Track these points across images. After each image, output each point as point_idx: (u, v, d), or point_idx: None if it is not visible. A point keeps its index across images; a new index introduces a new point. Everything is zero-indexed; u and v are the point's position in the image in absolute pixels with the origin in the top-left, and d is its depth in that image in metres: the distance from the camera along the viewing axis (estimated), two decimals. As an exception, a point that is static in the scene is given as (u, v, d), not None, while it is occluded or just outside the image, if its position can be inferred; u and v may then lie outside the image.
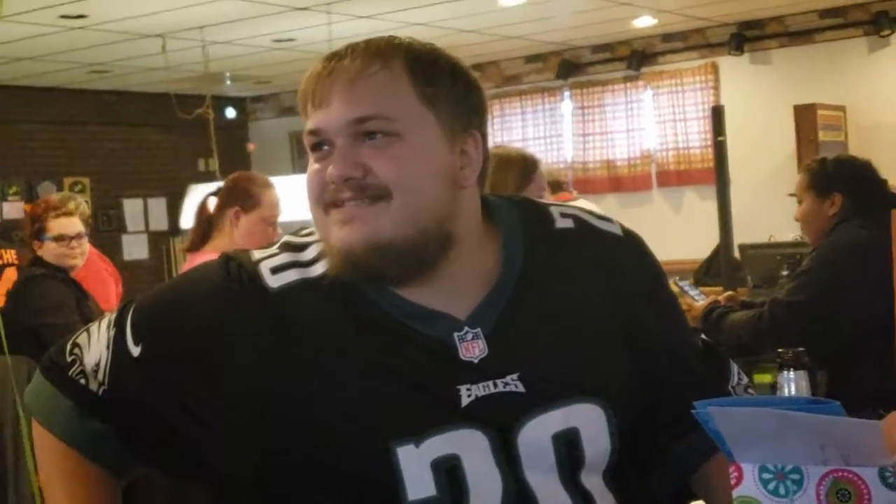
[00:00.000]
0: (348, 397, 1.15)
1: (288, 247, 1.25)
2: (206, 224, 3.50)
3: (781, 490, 0.98)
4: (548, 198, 5.82)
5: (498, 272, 1.23)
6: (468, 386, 1.16)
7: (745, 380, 1.36)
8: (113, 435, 1.24)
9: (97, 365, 1.24)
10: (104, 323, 1.27)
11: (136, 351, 1.22)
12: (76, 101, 9.10)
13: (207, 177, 8.44)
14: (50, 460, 1.29)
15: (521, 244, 1.25)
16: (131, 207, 9.54)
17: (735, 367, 1.37)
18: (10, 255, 4.59)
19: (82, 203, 5.22)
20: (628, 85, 8.52)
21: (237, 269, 1.22)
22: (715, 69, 8.15)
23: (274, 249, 1.25)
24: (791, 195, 3.52)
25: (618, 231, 1.33)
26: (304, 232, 1.28)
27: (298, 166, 9.93)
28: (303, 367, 1.16)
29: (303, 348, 1.17)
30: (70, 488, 1.26)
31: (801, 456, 0.96)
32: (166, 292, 1.30)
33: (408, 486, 1.13)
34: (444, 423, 1.14)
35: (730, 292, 3.77)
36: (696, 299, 3.57)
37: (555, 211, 1.32)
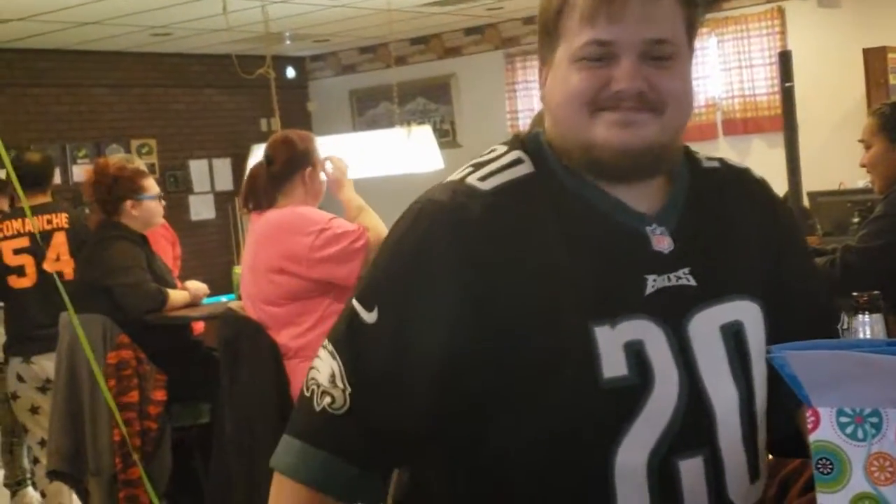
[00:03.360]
0: (554, 281, 1.24)
1: (477, 165, 1.34)
2: (269, 185, 3.55)
3: (860, 434, 0.97)
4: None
5: (670, 185, 1.35)
6: (654, 276, 1.28)
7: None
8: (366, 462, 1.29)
9: (332, 375, 1.28)
10: (321, 348, 1.32)
11: (371, 317, 1.27)
12: (140, 64, 9.17)
13: (270, 137, 8.48)
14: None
15: (683, 168, 1.38)
16: (197, 168, 9.62)
17: (843, 316, 1.43)
18: (60, 219, 4.64)
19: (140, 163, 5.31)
20: (692, 32, 8.37)
21: (447, 197, 1.29)
22: (781, 14, 7.97)
23: (467, 168, 1.34)
24: (861, 141, 3.45)
25: (757, 174, 1.47)
26: (486, 155, 1.36)
27: (358, 125, 9.94)
28: (517, 258, 1.25)
29: (519, 240, 1.26)
30: None
31: (880, 399, 0.95)
32: (376, 262, 1.34)
33: (603, 364, 1.22)
34: (633, 309, 1.25)
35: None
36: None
37: (699, 155, 1.44)
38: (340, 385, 1.27)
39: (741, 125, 8.17)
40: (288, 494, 1.30)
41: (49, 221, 4.61)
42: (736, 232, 1.37)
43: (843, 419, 0.97)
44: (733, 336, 1.30)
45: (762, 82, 8.02)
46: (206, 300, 4.40)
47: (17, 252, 4.61)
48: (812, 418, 0.99)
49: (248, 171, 3.75)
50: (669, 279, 1.29)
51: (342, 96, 10.27)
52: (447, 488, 1.33)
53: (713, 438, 1.28)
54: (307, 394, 1.30)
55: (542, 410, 1.24)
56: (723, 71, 8.21)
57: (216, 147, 9.72)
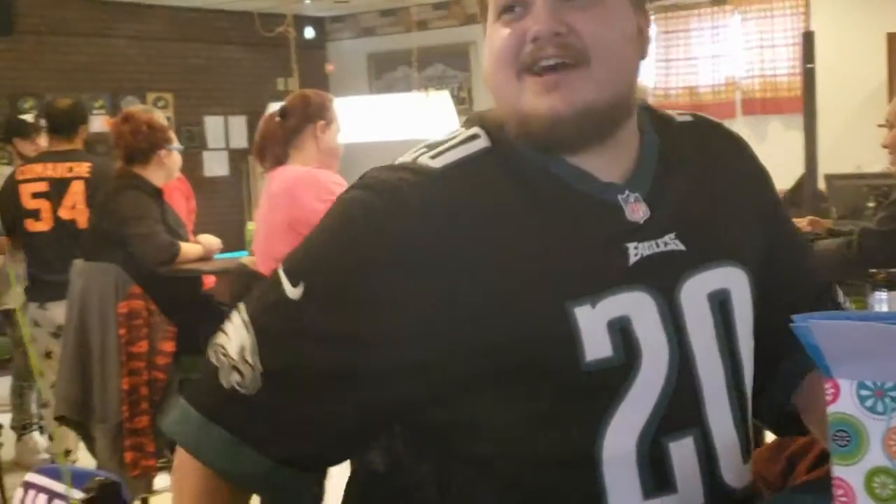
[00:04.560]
0: (525, 262, 1.14)
1: (432, 145, 1.23)
2: (282, 141, 3.56)
3: (879, 407, 0.96)
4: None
5: (641, 146, 1.26)
6: (636, 244, 1.18)
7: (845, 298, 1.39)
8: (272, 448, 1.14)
9: (242, 349, 1.14)
10: (235, 313, 1.19)
11: (295, 293, 1.14)
12: (160, 17, 9.15)
13: (287, 96, 8.47)
14: (189, 482, 1.18)
15: (652, 126, 1.29)
16: (212, 124, 9.62)
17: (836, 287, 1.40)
18: (82, 168, 4.64)
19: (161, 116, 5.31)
20: (715, 9, 8.31)
21: (395, 177, 1.17)
22: (806, -6, 7.93)
23: (421, 148, 1.23)
24: (881, 125, 3.44)
25: (731, 129, 1.39)
26: (445, 135, 1.26)
27: (375, 88, 9.92)
28: (478, 240, 1.14)
29: (477, 221, 1.15)
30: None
31: (902, 373, 0.94)
32: (314, 234, 1.21)
33: (586, 346, 1.13)
34: (616, 283, 1.16)
35: (811, 217, 3.71)
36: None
37: (670, 111, 1.35)
38: (251, 361, 1.13)
39: (760, 105, 8.13)
40: (193, 477, 1.17)
41: (70, 169, 4.61)
42: (718, 189, 1.28)
43: (864, 392, 0.97)
44: (720, 306, 1.22)
45: (783, 63, 7.97)
46: (218, 255, 4.41)
47: (34, 196, 4.62)
48: (832, 390, 0.98)
49: (259, 126, 3.75)
50: (656, 245, 1.20)
51: (360, 59, 10.24)
52: (430, 477, 1.23)
53: (702, 417, 1.20)
54: (213, 361, 1.16)
55: (522, 398, 1.15)
56: (744, 50, 8.16)
57: (232, 104, 9.71)
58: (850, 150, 6.56)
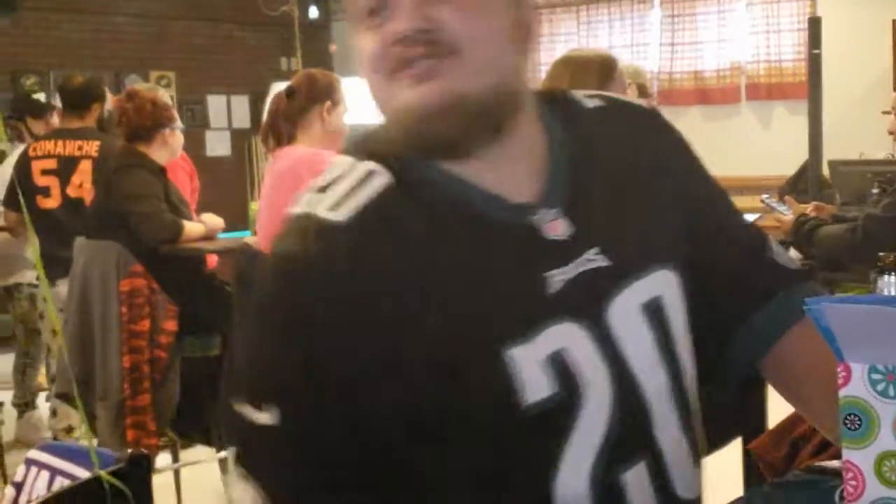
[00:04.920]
0: (449, 309, 1.07)
1: (321, 188, 1.14)
2: (289, 121, 3.55)
3: (891, 391, 0.96)
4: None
5: (548, 151, 1.17)
6: (556, 271, 1.11)
7: (781, 248, 1.33)
8: None
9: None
10: (236, 472, 1.12)
11: (271, 418, 1.08)
12: (163, -5, 9.14)
13: (290, 76, 8.44)
14: None
15: (558, 126, 1.20)
16: (215, 104, 9.60)
17: (770, 238, 1.33)
18: (91, 146, 4.63)
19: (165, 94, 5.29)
20: (721, -7, 8.30)
21: (300, 247, 1.09)
22: (812, -21, 7.90)
23: (310, 195, 1.14)
24: (885, 112, 3.44)
25: (646, 105, 1.32)
26: (329, 173, 1.16)
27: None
28: (402, 292, 1.07)
29: (397, 271, 1.08)
30: None
31: (914, 357, 0.94)
32: (248, 349, 1.15)
33: (524, 389, 1.06)
34: (543, 316, 1.08)
35: (816, 202, 3.71)
36: (786, 213, 3.52)
37: (576, 94, 1.27)
38: None
39: (765, 90, 8.11)
40: None
41: (80, 147, 4.61)
42: (637, 178, 1.21)
43: (875, 376, 0.96)
44: (655, 314, 1.16)
45: (789, 48, 7.96)
46: (221, 235, 4.41)
47: (44, 172, 4.63)
48: (843, 373, 0.98)
49: (267, 107, 3.75)
50: (580, 265, 1.12)
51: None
52: None
53: (652, 438, 1.15)
54: None
55: (468, 451, 1.09)
56: (750, 34, 8.15)
57: (235, 84, 9.69)
58: (854, 136, 6.55)
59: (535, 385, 1.06)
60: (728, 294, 1.26)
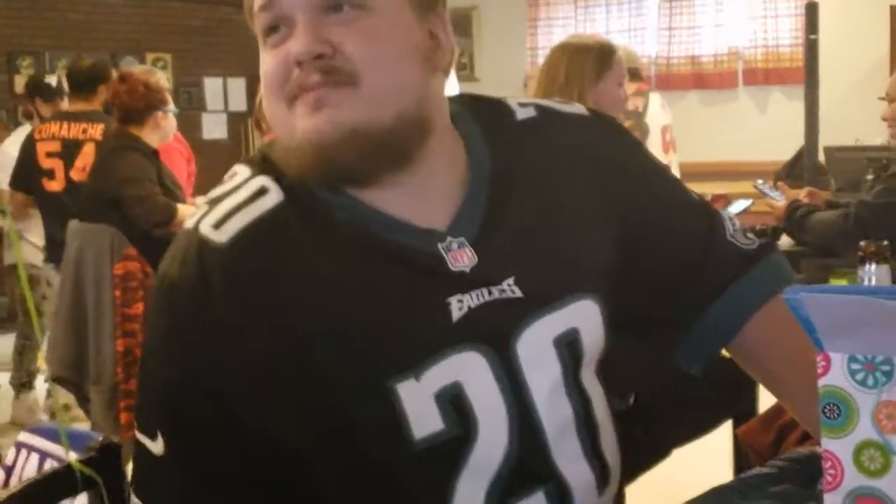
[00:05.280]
0: (338, 339, 1.03)
1: (214, 201, 1.09)
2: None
3: (870, 381, 0.96)
4: (627, 87, 5.74)
5: (467, 175, 1.12)
6: (459, 297, 1.06)
7: (738, 224, 1.30)
8: None
9: None
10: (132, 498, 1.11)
11: (158, 447, 1.06)
12: (159, -24, 9.10)
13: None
14: None
15: (484, 143, 1.15)
16: (211, 86, 9.58)
17: (724, 215, 1.30)
18: (95, 130, 4.63)
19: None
20: (719, -22, 8.27)
21: (179, 272, 1.06)
22: (810, -35, 7.88)
23: (203, 207, 1.10)
24: (881, 98, 3.44)
25: (583, 111, 1.25)
26: (226, 182, 1.12)
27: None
28: (285, 320, 1.03)
29: (278, 297, 1.03)
30: None
31: (894, 347, 0.94)
32: (140, 375, 1.13)
33: (413, 424, 1.03)
34: (440, 346, 1.05)
35: (810, 188, 3.71)
36: (778, 199, 3.52)
37: (511, 102, 1.22)
38: None
39: (762, 75, 8.10)
40: None
41: (84, 131, 4.61)
42: (566, 200, 1.16)
43: (855, 366, 0.96)
44: (568, 347, 1.12)
45: (786, 33, 7.95)
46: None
47: (49, 155, 4.63)
48: (822, 363, 0.98)
49: (259, 93, 3.73)
50: (489, 293, 1.07)
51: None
52: None
53: (552, 468, 1.11)
54: None
55: (358, 483, 1.07)
56: (748, 20, 8.13)
57: (232, 66, 9.66)
58: (850, 122, 6.54)
59: (424, 420, 1.04)
60: (682, 288, 1.24)
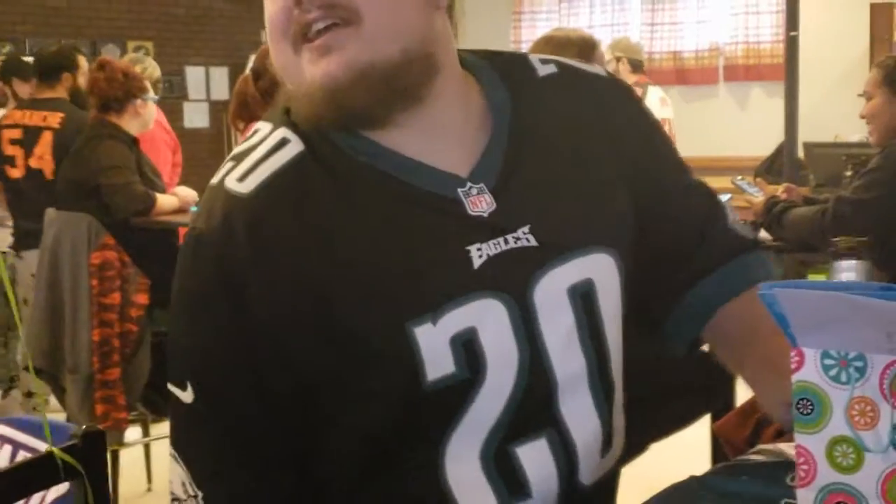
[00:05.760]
0: (359, 282, 1.05)
1: (238, 156, 1.12)
2: (255, 101, 3.52)
3: (843, 377, 0.96)
4: (627, 78, 5.74)
5: (488, 121, 1.14)
6: (479, 245, 1.08)
7: (737, 216, 1.34)
8: None
9: (183, 484, 1.11)
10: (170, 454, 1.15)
11: (188, 396, 1.09)
12: (141, -36, 9.05)
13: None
14: None
15: (506, 91, 1.16)
16: (193, 75, 9.53)
17: (725, 204, 1.33)
18: (54, 118, 4.59)
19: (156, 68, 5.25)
20: (702, -26, 8.29)
21: (206, 224, 1.08)
22: (792, -39, 7.90)
23: (228, 163, 1.12)
24: (860, 95, 3.45)
25: (602, 72, 1.28)
26: (250, 138, 1.14)
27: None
28: (308, 263, 1.05)
29: (302, 243, 1.05)
30: None
31: (866, 343, 0.94)
32: (171, 324, 1.15)
33: (427, 366, 1.05)
34: (459, 292, 1.06)
35: (788, 184, 3.73)
36: (756, 195, 3.53)
37: (533, 59, 1.23)
38: (192, 491, 1.10)
39: (742, 71, 8.13)
40: None
41: (44, 118, 4.57)
42: (585, 156, 1.18)
43: (828, 361, 0.97)
44: (582, 298, 1.13)
45: (767, 30, 7.98)
46: (194, 208, 4.39)
47: (12, 142, 4.60)
48: (796, 358, 0.98)
49: (235, 87, 3.71)
50: (505, 242, 1.09)
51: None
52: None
53: (557, 416, 1.13)
54: None
55: (368, 411, 1.08)
56: (730, 16, 8.15)
57: (214, 55, 9.61)
58: (829, 118, 6.57)
59: (438, 363, 1.05)
60: (676, 263, 1.27)
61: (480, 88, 1.16)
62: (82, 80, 4.71)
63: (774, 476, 1.20)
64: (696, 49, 8.35)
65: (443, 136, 1.11)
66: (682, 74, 8.36)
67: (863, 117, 3.32)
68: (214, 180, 1.12)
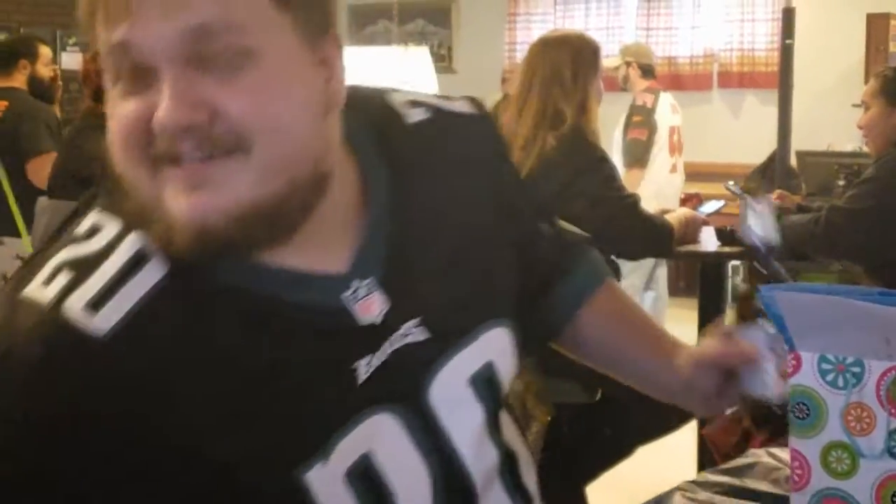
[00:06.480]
0: (239, 431, 0.87)
1: (76, 265, 0.87)
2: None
3: (840, 382, 0.97)
4: (638, 83, 5.70)
5: (365, 203, 0.97)
6: (369, 358, 0.93)
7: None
8: None
9: None
10: None
11: None
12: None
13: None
14: None
15: (378, 157, 1.00)
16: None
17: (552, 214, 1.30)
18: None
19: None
20: (698, -20, 8.30)
21: (38, 353, 0.83)
22: (788, -30, 7.92)
23: (62, 278, 0.86)
24: (856, 105, 3.46)
25: (466, 108, 1.13)
26: (88, 238, 0.90)
27: (355, 41, 9.84)
28: (175, 419, 0.85)
29: (168, 395, 0.85)
30: None
31: (864, 349, 0.94)
32: None
33: None
34: (346, 417, 0.91)
35: (780, 191, 3.74)
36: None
37: (398, 103, 1.07)
38: None
39: (737, 79, 8.14)
40: None
41: None
42: (468, 218, 1.05)
43: (825, 366, 0.97)
44: (486, 385, 1.02)
45: (762, 37, 7.98)
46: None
47: None
48: (794, 362, 0.98)
49: None
50: (391, 345, 0.94)
51: (340, 11, 10.13)
52: None
53: None
54: None
55: None
56: (725, 22, 8.16)
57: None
58: (822, 127, 6.58)
59: (338, 502, 0.91)
60: (542, 290, 1.24)
61: (356, 164, 0.99)
62: (43, 70, 4.69)
63: None
64: (690, 55, 8.35)
65: (325, 235, 0.93)
66: (676, 80, 8.35)
67: (860, 128, 3.33)
68: (36, 293, 0.85)
